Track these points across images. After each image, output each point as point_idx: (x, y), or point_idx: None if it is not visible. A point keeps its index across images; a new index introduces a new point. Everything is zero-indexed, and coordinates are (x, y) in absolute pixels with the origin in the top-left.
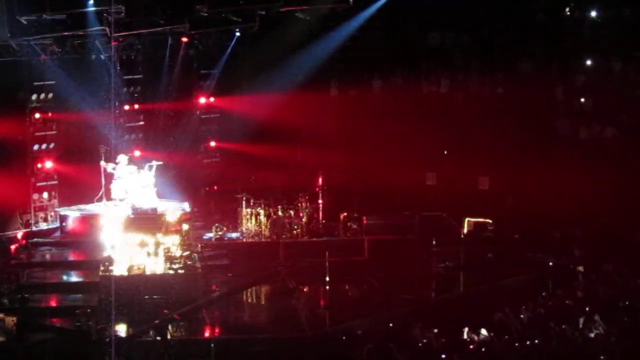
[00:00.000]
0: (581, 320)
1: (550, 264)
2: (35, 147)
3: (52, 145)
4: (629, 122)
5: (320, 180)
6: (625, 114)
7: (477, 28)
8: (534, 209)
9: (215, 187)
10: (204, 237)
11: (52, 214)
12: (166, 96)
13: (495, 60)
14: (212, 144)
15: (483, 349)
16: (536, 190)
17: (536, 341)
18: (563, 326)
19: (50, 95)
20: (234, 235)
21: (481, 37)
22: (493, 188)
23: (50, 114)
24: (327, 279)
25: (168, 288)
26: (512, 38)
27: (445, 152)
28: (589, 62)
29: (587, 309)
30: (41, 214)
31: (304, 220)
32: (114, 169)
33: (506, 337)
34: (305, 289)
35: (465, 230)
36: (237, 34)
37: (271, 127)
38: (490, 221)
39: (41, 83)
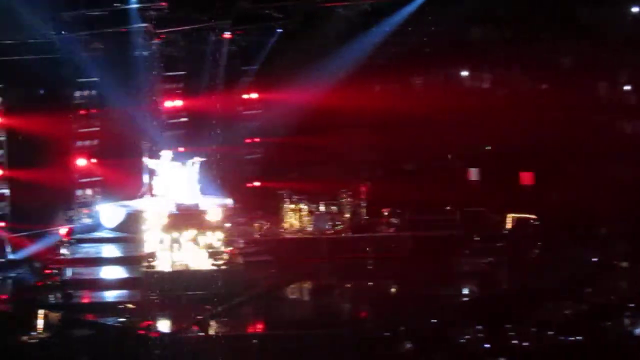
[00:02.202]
0: (625, 317)
1: (595, 260)
2: (79, 143)
3: (95, 142)
4: None
5: (362, 175)
6: None
7: (520, 22)
8: (578, 205)
9: (258, 183)
10: (247, 233)
11: (96, 210)
12: (208, 92)
13: (538, 56)
14: (255, 139)
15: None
16: (580, 185)
17: (579, 338)
18: (607, 323)
19: (93, 92)
20: (276, 231)
21: (523, 32)
22: (536, 183)
23: (93, 110)
24: (369, 275)
25: (211, 284)
26: (555, 32)
27: (488, 148)
28: (632, 56)
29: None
30: (84, 210)
31: (346, 216)
32: (156, 165)
33: (549, 333)
34: (347, 285)
35: (508, 226)
36: (279, 29)
37: (313, 122)
38: (534, 217)
39: (84, 79)
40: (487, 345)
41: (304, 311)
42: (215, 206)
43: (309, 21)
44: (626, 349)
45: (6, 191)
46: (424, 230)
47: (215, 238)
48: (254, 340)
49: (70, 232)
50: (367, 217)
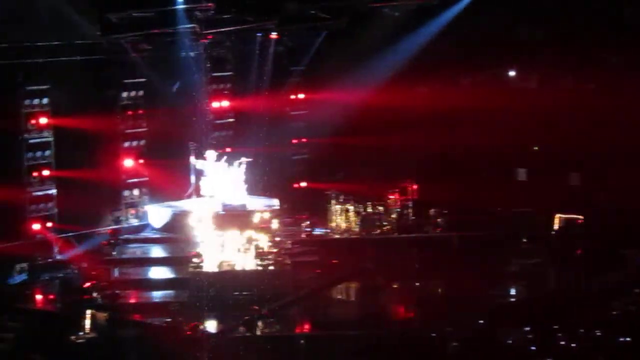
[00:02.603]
0: None
1: None
2: (126, 143)
3: (142, 142)
4: None
5: (409, 176)
6: None
7: (567, 22)
8: (627, 205)
9: (304, 184)
10: (294, 233)
11: (143, 210)
12: (255, 93)
13: (586, 55)
14: (302, 140)
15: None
16: (628, 186)
17: (628, 339)
18: None
19: (140, 93)
20: (323, 231)
21: (571, 32)
22: (584, 184)
23: (140, 111)
24: (416, 275)
25: (258, 284)
26: (603, 32)
27: (535, 148)
28: None
29: None
30: (131, 211)
31: (393, 216)
32: (203, 165)
33: (597, 334)
34: (394, 286)
35: (555, 227)
36: (325, 30)
37: (360, 123)
38: (582, 217)
39: (131, 80)
40: (534, 347)
41: (350, 311)
42: (261, 207)
43: (356, 21)
44: None
45: (53, 192)
46: (471, 230)
47: (262, 238)
48: (301, 341)
49: (117, 233)
50: (413, 218)
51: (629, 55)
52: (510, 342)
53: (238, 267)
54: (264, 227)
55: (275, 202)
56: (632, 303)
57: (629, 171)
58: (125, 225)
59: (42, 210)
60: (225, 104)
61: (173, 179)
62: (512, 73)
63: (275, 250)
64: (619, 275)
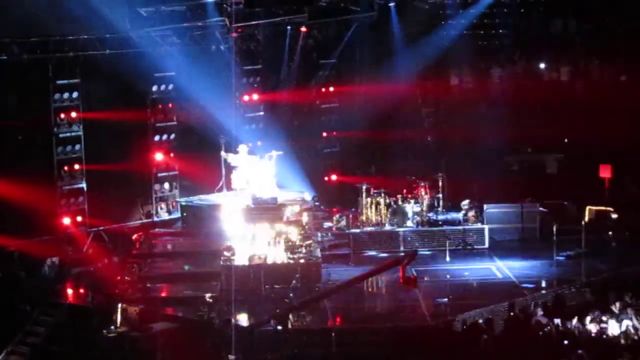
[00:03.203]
0: None
1: None
2: (157, 137)
3: (172, 136)
4: None
5: (440, 168)
6: None
7: (599, 15)
8: None
9: (335, 177)
10: (325, 227)
11: (173, 204)
12: (286, 86)
13: (617, 48)
14: (332, 133)
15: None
16: None
17: None
18: None
19: (170, 87)
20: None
21: (603, 24)
22: (616, 176)
23: (170, 105)
24: (447, 267)
25: (289, 277)
26: (634, 25)
27: (566, 140)
28: None
29: None
30: (162, 204)
31: (424, 208)
32: (234, 159)
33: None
34: (425, 278)
35: (587, 219)
36: (356, 23)
37: (390, 116)
38: (613, 209)
39: (161, 74)
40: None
41: (382, 305)
42: (292, 200)
43: (387, 14)
44: None
45: (84, 185)
46: (502, 222)
47: (293, 232)
48: (332, 334)
49: (148, 226)
50: (444, 210)
51: None
52: (542, 333)
53: (269, 261)
54: (294, 221)
55: (306, 195)
56: None
57: None
58: (156, 219)
59: (72, 205)
60: (255, 97)
61: (204, 172)
62: (543, 65)
63: (306, 243)
64: None
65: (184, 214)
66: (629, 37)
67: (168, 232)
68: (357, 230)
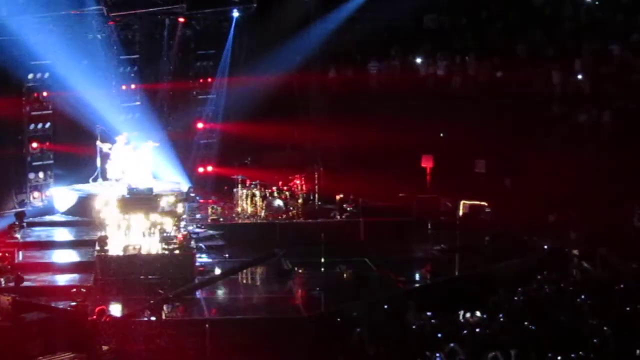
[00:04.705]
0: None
1: (546, 247)
2: (32, 126)
3: (48, 125)
4: (626, 106)
5: (316, 162)
6: (623, 98)
7: (476, 10)
8: (531, 192)
9: (211, 168)
10: (200, 218)
11: (48, 193)
12: (163, 76)
13: (493, 43)
14: (209, 124)
15: (477, 331)
16: (533, 173)
17: (530, 326)
18: (558, 310)
19: (46, 75)
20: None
21: (479, 20)
22: (490, 171)
23: (46, 94)
24: (323, 260)
25: (163, 268)
26: (511, 21)
27: (442, 135)
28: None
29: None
30: (36, 194)
31: (300, 201)
32: (110, 148)
33: (500, 319)
34: (300, 271)
35: (461, 213)
36: (235, 14)
37: (268, 108)
38: (486, 204)
39: (38, 62)
40: (439, 331)
41: (257, 297)
42: (168, 190)
43: (267, 7)
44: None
45: None
46: (378, 216)
47: (168, 222)
48: (206, 325)
49: (21, 215)
50: (319, 203)
51: (536, 43)
52: (415, 327)
53: (144, 251)
54: (170, 211)
55: (182, 186)
56: (536, 290)
57: (535, 158)
58: (30, 208)
59: None
60: (132, 87)
61: (79, 161)
62: (419, 61)
63: (180, 234)
64: (523, 261)
65: (59, 204)
66: (504, 33)
67: (42, 222)
68: (233, 222)
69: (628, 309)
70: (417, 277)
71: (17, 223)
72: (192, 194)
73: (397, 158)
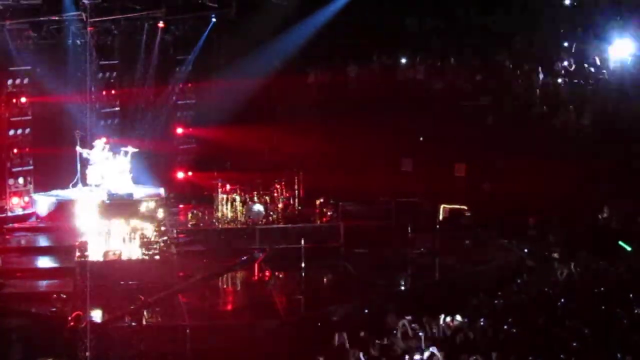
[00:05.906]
0: (556, 308)
1: (526, 250)
2: (11, 132)
3: (27, 131)
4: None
5: (296, 166)
6: (599, 103)
7: (455, 15)
8: (510, 196)
9: (191, 173)
10: (180, 223)
11: (28, 199)
12: (142, 82)
13: (473, 48)
14: (188, 129)
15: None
16: (512, 176)
17: (511, 329)
18: (538, 313)
19: (25, 81)
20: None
21: (459, 24)
22: (469, 174)
23: (25, 99)
24: (303, 265)
25: (143, 274)
26: (491, 26)
27: (421, 139)
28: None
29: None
30: (16, 199)
31: (279, 206)
32: (89, 154)
33: (481, 323)
34: (280, 275)
35: (440, 217)
36: (214, 19)
37: (247, 113)
38: (466, 207)
39: (16, 68)
40: (420, 335)
41: (237, 302)
42: (148, 196)
43: (245, 12)
44: (559, 339)
45: None
46: (358, 220)
47: (148, 228)
48: (187, 330)
49: (1, 221)
50: (300, 207)
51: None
52: (395, 331)
53: (124, 257)
54: (150, 216)
55: (162, 191)
56: (515, 293)
57: (514, 161)
58: (9, 213)
59: None
60: (112, 92)
61: (59, 167)
62: (400, 63)
63: (161, 239)
64: (503, 265)
65: (39, 209)
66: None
67: (22, 227)
68: (212, 227)
69: (608, 312)
70: (398, 280)
71: None
72: (173, 199)
73: (377, 162)
